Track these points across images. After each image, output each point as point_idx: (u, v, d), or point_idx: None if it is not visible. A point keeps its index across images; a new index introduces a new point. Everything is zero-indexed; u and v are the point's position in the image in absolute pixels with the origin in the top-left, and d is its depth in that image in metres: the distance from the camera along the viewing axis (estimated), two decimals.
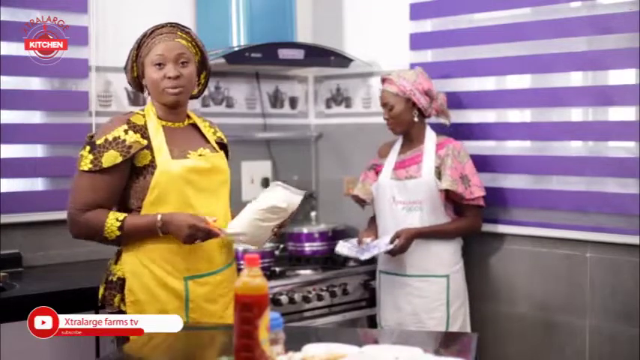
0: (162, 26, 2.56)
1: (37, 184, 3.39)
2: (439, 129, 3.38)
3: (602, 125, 3.29)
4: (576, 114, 3.40)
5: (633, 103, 3.14)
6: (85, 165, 2.45)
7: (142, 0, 3.58)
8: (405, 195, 3.25)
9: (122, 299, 2.49)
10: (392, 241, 3.16)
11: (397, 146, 3.37)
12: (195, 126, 2.68)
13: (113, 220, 2.44)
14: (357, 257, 3.23)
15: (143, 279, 2.48)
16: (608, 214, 3.20)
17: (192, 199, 2.51)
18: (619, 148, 3.27)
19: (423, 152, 3.27)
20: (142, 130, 2.50)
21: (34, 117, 3.37)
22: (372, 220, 3.45)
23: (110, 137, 2.45)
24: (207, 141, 2.67)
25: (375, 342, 2.27)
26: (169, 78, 2.50)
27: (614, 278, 3.19)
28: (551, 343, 3.37)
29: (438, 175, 3.23)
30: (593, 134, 3.33)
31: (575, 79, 3.37)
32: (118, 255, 2.54)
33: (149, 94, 2.58)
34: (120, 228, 2.43)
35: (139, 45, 2.55)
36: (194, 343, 2.29)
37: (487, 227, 3.48)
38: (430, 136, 3.30)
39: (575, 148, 3.40)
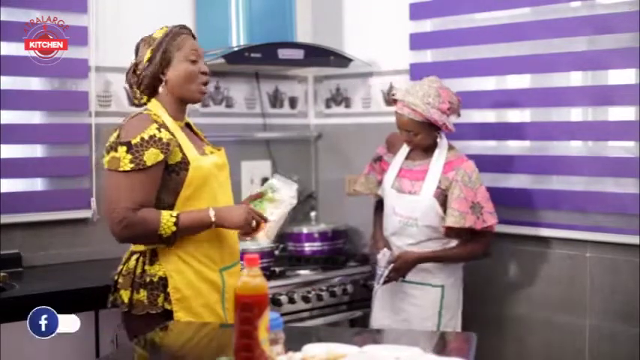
0: (182, 27, 2.60)
1: (37, 184, 3.39)
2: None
3: (602, 125, 3.30)
4: (576, 114, 3.40)
5: (633, 102, 3.14)
6: (126, 165, 2.42)
7: (142, 0, 3.58)
8: (404, 209, 3.13)
9: (166, 298, 2.49)
10: (390, 262, 3.06)
11: (406, 149, 3.21)
12: (188, 124, 2.70)
13: (168, 216, 2.44)
14: (375, 284, 3.18)
15: (187, 275, 2.50)
16: (607, 213, 3.20)
17: (217, 194, 2.57)
18: (619, 148, 3.27)
19: (429, 168, 3.10)
20: (168, 129, 2.51)
21: (34, 117, 3.37)
22: (376, 222, 3.34)
23: (145, 136, 2.43)
24: (201, 138, 2.72)
25: (375, 342, 2.26)
26: (203, 73, 2.57)
27: (614, 278, 3.19)
28: (551, 343, 3.37)
29: (444, 198, 3.06)
30: (592, 134, 3.33)
31: (575, 78, 3.37)
32: (152, 256, 2.52)
33: (169, 91, 2.56)
34: (175, 224, 2.43)
35: (168, 43, 2.54)
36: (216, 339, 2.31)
37: None
38: (441, 150, 3.10)
39: (575, 148, 3.40)
